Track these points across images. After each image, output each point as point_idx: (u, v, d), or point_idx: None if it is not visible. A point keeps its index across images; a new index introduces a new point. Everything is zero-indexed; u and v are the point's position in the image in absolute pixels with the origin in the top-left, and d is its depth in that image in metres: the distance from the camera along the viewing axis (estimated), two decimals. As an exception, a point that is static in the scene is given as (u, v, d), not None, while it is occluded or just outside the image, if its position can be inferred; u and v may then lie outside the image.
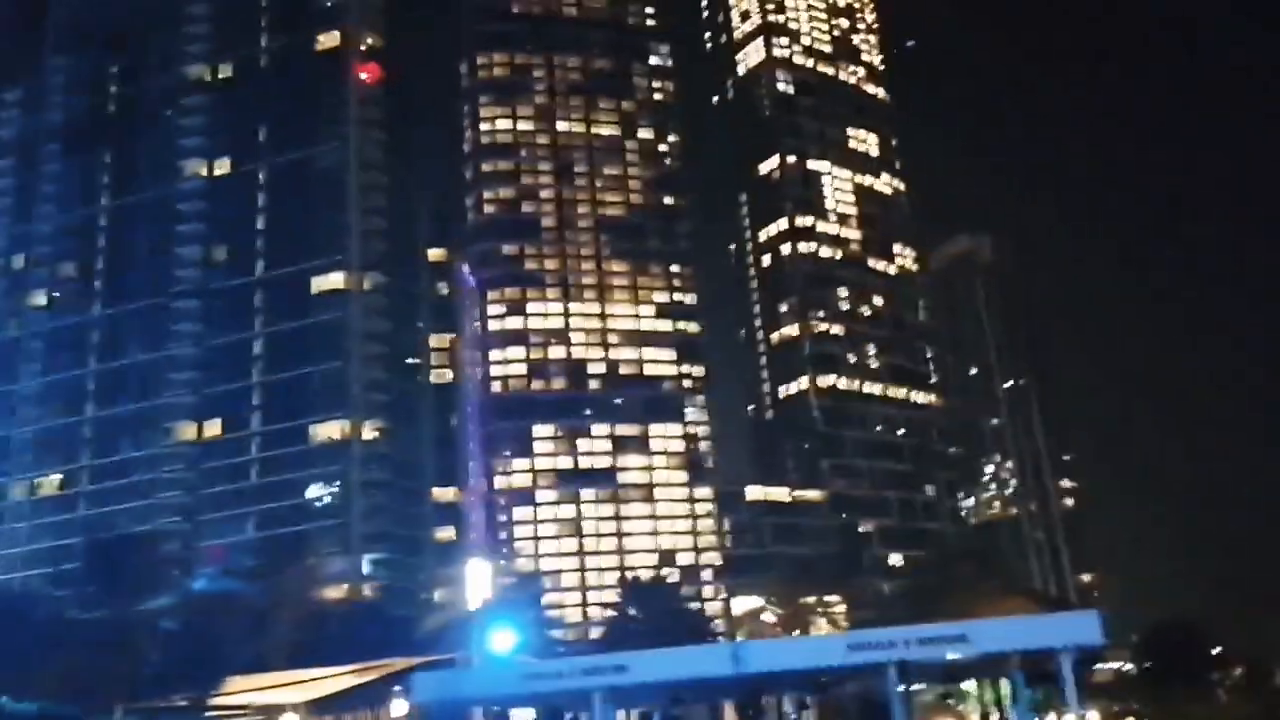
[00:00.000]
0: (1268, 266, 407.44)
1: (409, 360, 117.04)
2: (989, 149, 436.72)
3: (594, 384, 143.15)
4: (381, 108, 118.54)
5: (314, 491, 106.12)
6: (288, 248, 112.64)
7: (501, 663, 31.46)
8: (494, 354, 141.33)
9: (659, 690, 20.28)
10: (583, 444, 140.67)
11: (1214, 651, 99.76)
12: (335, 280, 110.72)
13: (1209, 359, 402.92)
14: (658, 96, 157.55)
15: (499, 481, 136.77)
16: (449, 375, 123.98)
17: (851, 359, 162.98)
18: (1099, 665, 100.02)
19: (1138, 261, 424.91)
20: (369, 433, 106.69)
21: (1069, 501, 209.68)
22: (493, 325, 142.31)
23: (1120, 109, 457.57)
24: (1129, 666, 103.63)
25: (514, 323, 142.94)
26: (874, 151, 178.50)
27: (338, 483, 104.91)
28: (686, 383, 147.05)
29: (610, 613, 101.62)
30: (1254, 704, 47.73)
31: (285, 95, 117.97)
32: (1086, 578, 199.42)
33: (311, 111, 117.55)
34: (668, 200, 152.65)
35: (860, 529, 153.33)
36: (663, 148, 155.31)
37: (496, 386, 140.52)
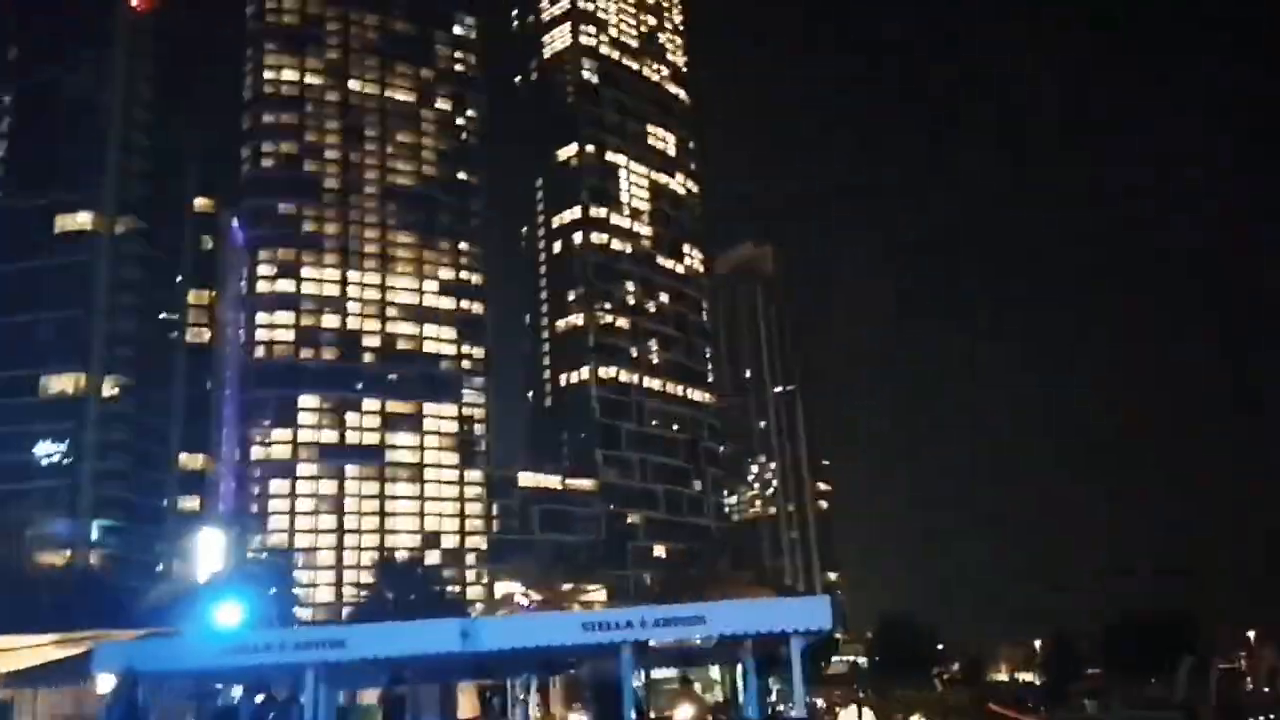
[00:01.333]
0: (1034, 295, 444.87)
1: (162, 315, 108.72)
2: (778, 162, 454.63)
3: (368, 357, 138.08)
4: (153, 40, 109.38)
5: (41, 449, 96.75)
6: (31, 178, 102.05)
7: (207, 635, 28.93)
8: (260, 317, 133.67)
9: (380, 667, 18.45)
10: (351, 418, 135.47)
11: (939, 647, 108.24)
12: (83, 220, 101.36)
13: (963, 380, 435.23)
14: (458, 68, 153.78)
15: (256, 452, 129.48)
16: (207, 335, 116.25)
17: (633, 353, 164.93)
18: (836, 658, 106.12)
19: (913, 278, 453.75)
20: (109, 389, 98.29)
21: (823, 504, 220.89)
22: (261, 286, 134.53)
23: (906, 131, 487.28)
24: (862, 660, 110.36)
25: (285, 286, 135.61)
26: (671, 150, 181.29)
27: (69, 441, 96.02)
28: (466, 363, 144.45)
29: (365, 593, 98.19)
30: (965, 693, 51.57)
31: (40, 13, 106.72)
32: (833, 576, 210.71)
33: (71, 35, 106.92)
34: (461, 175, 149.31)
35: (628, 520, 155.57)
36: (460, 121, 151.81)
37: (260, 351, 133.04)
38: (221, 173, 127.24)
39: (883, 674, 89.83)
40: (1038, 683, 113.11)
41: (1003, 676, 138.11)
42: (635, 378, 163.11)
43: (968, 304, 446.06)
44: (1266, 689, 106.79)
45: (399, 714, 21.33)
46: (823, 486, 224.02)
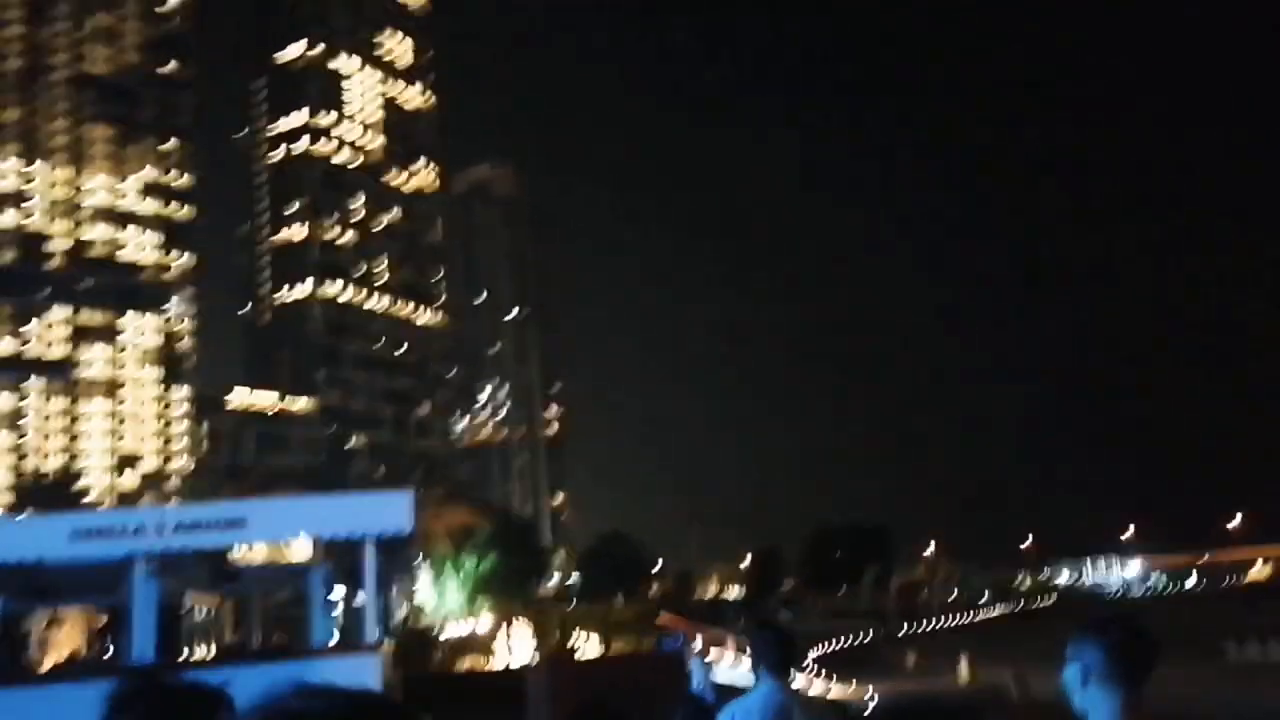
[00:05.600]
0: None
1: None
2: (523, 80, 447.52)
3: (55, 261, 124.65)
4: None
5: None
6: None
7: None
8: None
9: None
10: (34, 328, 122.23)
11: (656, 565, 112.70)
12: None
13: (700, 310, 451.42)
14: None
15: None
16: None
17: (360, 270, 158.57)
18: (554, 577, 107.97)
19: (653, 209, 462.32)
20: None
21: (554, 428, 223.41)
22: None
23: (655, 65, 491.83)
24: (575, 578, 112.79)
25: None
26: (406, 60, 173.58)
27: None
28: (171, 273, 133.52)
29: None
30: (634, 608, 53.24)
31: None
32: (559, 498, 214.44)
33: None
34: (168, 67, 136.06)
35: (351, 443, 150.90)
36: (167, 5, 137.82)
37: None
38: None
39: (592, 591, 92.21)
40: (741, 597, 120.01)
41: (712, 592, 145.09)
42: (361, 296, 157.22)
43: (706, 229, 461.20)
44: (940, 597, 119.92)
45: None
46: (554, 411, 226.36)
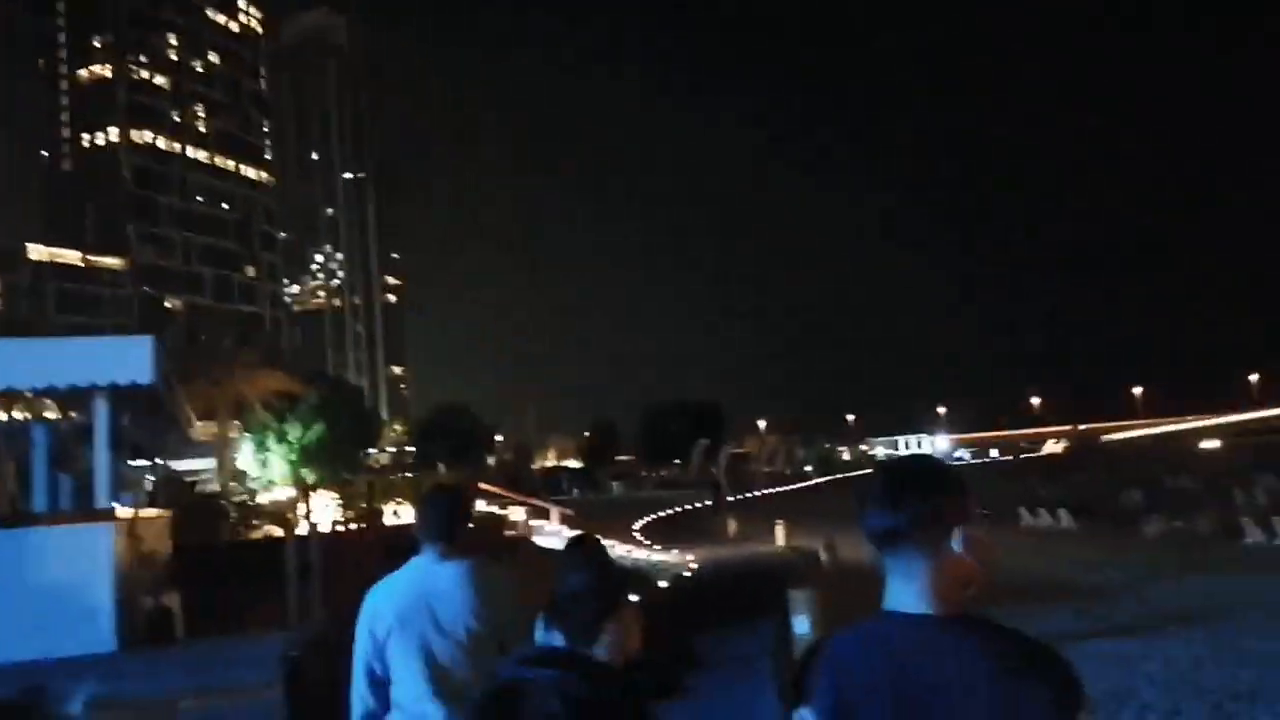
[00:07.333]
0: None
1: None
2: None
3: None
4: None
5: None
6: None
7: None
8: None
9: None
10: None
11: (496, 437, 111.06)
12: None
13: (542, 183, 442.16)
14: None
15: None
16: None
17: (176, 117, 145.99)
18: (383, 449, 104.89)
19: (499, 76, 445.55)
20: None
21: (392, 298, 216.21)
22: None
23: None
24: (411, 448, 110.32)
25: None
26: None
27: None
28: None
29: None
30: (453, 475, 51.27)
31: None
32: (398, 370, 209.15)
33: None
34: None
35: (166, 304, 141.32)
36: None
37: None
38: None
39: (427, 461, 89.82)
40: (578, 468, 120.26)
41: (550, 463, 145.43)
42: (177, 145, 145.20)
43: (550, 101, 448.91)
44: (768, 468, 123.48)
45: None
46: (392, 280, 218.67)
